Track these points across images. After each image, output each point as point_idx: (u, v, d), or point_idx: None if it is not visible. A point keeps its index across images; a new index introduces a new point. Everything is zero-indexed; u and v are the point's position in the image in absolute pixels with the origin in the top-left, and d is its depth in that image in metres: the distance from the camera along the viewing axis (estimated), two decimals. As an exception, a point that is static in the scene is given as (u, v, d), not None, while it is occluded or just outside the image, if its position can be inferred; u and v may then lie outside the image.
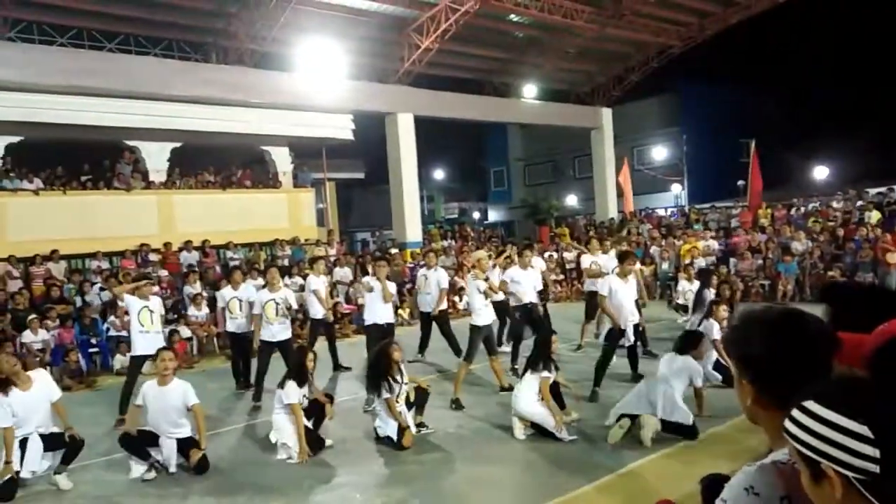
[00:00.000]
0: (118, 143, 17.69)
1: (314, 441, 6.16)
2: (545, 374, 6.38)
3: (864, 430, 1.09)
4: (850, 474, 1.10)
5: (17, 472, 5.59)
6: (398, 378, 6.45)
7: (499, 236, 25.69)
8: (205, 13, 17.51)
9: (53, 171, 16.79)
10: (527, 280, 9.17)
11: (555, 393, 6.51)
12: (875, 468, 1.08)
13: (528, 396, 6.34)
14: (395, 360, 6.49)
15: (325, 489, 5.46)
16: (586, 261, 10.73)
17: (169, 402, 5.96)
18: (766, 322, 1.47)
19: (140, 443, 5.88)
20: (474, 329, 7.89)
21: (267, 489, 5.52)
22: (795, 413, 1.19)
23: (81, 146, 17.08)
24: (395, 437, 6.23)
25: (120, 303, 8.49)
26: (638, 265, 10.32)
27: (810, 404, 1.17)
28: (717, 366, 7.93)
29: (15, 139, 15.77)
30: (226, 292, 9.42)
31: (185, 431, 6.00)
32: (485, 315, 7.95)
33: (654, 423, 5.88)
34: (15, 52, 14.84)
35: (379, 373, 6.42)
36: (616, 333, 7.80)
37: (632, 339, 7.98)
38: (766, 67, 29.30)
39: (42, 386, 5.88)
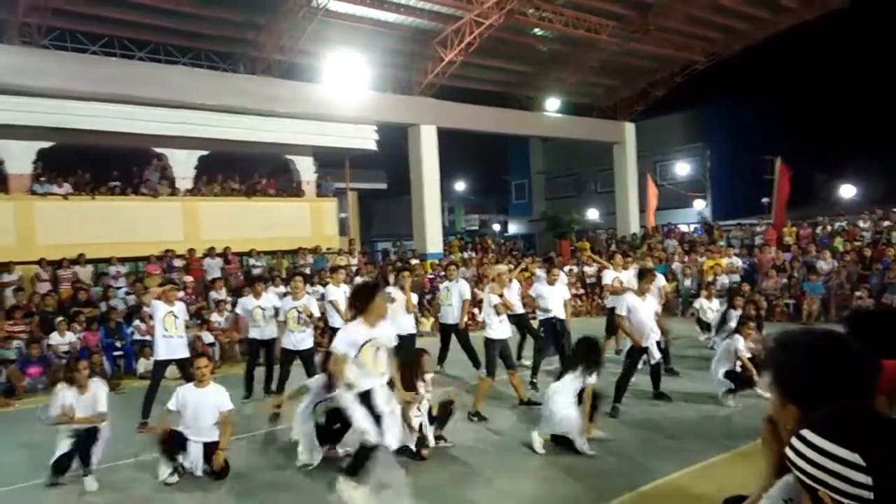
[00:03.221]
0: (146, 150, 18.00)
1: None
2: (591, 379, 6.37)
3: (856, 457, 1.12)
4: (845, 501, 1.13)
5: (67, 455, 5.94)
6: (421, 388, 6.49)
7: (519, 249, 25.65)
8: (234, 24, 17.81)
9: (83, 177, 17.12)
10: (553, 295, 9.13)
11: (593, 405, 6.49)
12: (869, 495, 1.10)
13: (565, 399, 6.30)
14: (424, 370, 6.54)
15: (344, 498, 5.48)
16: (609, 276, 10.65)
17: (206, 405, 6.12)
18: (809, 346, 1.47)
19: (174, 444, 6.01)
20: (488, 342, 7.81)
21: (286, 495, 5.57)
22: (794, 441, 1.22)
23: (111, 152, 17.43)
24: (413, 448, 6.26)
25: (146, 308, 8.59)
26: (662, 281, 10.23)
27: (806, 433, 1.20)
28: (728, 374, 7.92)
29: (47, 145, 16.10)
30: (248, 301, 9.49)
31: (214, 436, 6.12)
32: (498, 329, 7.85)
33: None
34: (49, 59, 15.21)
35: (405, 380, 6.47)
36: (637, 350, 7.75)
37: (656, 356, 7.91)
38: (791, 84, 28.98)
39: (94, 395, 6.22)
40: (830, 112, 27.33)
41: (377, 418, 5.08)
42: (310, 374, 7.79)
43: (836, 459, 1.14)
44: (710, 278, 14.72)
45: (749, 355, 7.95)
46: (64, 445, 5.98)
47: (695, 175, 30.30)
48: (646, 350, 7.74)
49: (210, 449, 6.04)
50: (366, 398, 5.12)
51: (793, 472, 1.24)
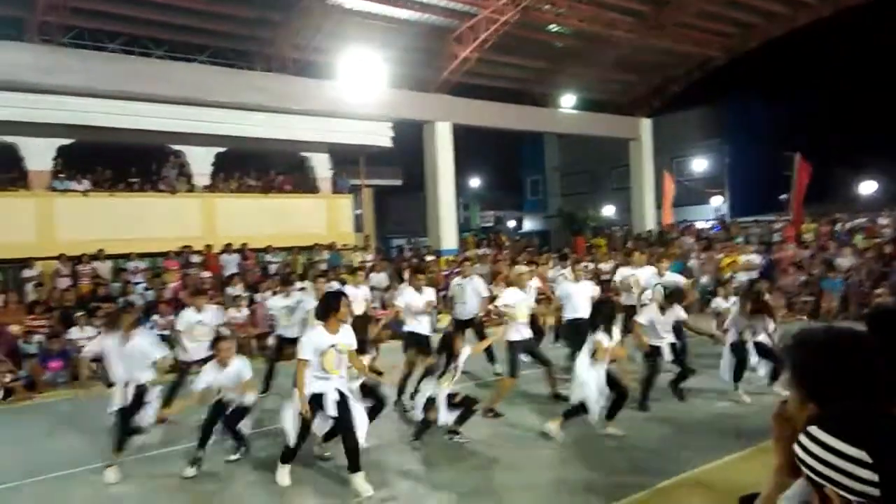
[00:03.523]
0: (164, 147, 18.17)
1: None
2: (599, 337, 6.35)
3: (862, 455, 1.14)
4: (851, 498, 1.15)
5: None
6: (452, 365, 6.50)
7: (534, 246, 25.59)
8: (250, 22, 17.89)
9: (102, 173, 17.32)
10: (579, 293, 8.87)
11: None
12: (875, 492, 1.12)
13: (584, 360, 6.44)
14: (457, 350, 6.51)
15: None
16: (623, 273, 10.54)
17: (227, 381, 6.29)
18: (828, 345, 1.46)
19: (216, 418, 6.19)
20: (510, 344, 7.71)
21: (304, 490, 5.62)
22: (802, 438, 1.24)
23: (129, 149, 17.61)
24: (419, 416, 6.44)
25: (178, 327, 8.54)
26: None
27: (814, 430, 1.22)
28: (734, 348, 8.08)
29: (66, 141, 16.29)
30: (275, 302, 9.56)
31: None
32: (519, 330, 7.76)
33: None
34: (68, 57, 15.37)
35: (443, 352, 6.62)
36: (648, 352, 7.73)
37: (666, 358, 7.84)
38: (811, 79, 28.71)
39: (138, 345, 6.34)
40: (850, 108, 27.01)
41: (345, 416, 5.53)
42: None
43: (843, 456, 1.15)
44: (728, 275, 14.59)
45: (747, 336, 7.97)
46: (117, 402, 6.17)
47: (713, 171, 30.07)
48: (657, 350, 7.71)
49: (234, 414, 6.27)
50: (318, 400, 5.56)
51: (801, 468, 1.25)
